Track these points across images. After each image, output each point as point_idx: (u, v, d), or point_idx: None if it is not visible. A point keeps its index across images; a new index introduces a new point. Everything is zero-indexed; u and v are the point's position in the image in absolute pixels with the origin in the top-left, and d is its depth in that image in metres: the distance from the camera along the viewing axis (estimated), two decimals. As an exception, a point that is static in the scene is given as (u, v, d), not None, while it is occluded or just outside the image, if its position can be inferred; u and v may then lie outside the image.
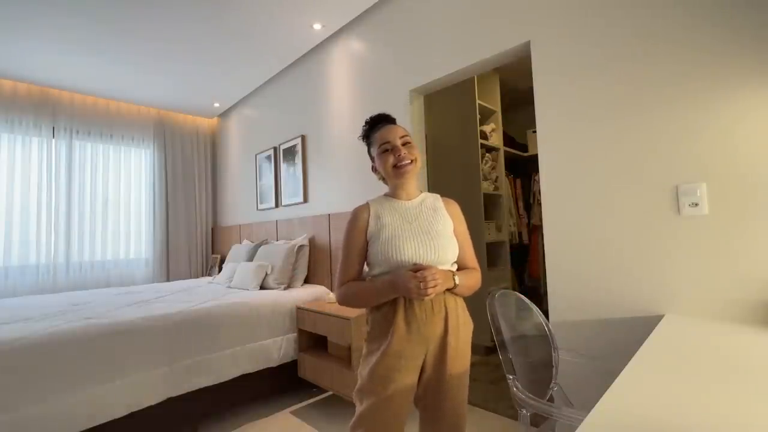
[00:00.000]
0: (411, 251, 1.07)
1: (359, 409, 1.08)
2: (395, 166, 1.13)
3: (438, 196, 1.22)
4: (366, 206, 1.19)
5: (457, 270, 1.16)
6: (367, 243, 1.15)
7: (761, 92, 1.23)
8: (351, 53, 2.82)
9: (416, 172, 1.17)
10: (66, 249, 3.61)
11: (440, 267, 1.08)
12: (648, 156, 1.45)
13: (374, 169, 1.22)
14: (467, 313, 1.16)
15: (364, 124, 1.24)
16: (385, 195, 1.21)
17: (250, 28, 2.81)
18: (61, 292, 3.41)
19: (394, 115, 1.28)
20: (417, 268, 1.03)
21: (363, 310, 1.95)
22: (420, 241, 1.08)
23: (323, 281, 2.92)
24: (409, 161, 1.13)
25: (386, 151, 1.14)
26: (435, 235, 1.09)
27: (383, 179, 1.22)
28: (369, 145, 1.22)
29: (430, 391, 1.10)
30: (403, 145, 1.14)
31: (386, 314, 1.09)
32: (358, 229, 1.15)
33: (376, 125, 1.20)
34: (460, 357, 1.10)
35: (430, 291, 0.99)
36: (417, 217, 1.13)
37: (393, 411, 1.05)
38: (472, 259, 1.21)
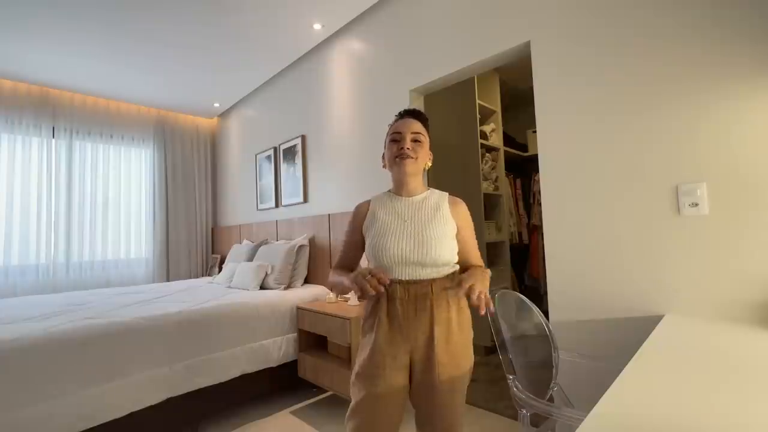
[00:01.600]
0: (395, 249, 1.07)
1: (352, 401, 1.10)
2: (395, 156, 1.13)
3: (445, 194, 1.20)
4: (367, 202, 1.23)
5: (461, 270, 1.15)
6: (363, 238, 1.19)
7: (761, 92, 1.23)
8: (351, 53, 2.82)
9: (417, 170, 1.15)
10: (66, 249, 3.61)
11: (428, 268, 1.07)
12: (648, 156, 1.45)
13: (383, 156, 1.22)
14: (467, 318, 1.14)
15: (397, 113, 1.24)
16: (388, 191, 1.22)
17: (250, 29, 2.81)
18: (61, 292, 3.42)
19: (393, 114, 1.28)
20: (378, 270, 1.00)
21: (363, 310, 1.95)
22: (408, 240, 1.08)
23: (323, 281, 2.92)
24: (409, 156, 1.12)
25: (395, 140, 1.15)
26: (428, 236, 1.08)
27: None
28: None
29: (421, 393, 1.09)
30: (413, 141, 1.13)
31: (373, 310, 1.12)
32: (356, 224, 1.21)
33: (403, 116, 1.20)
34: (454, 363, 1.07)
35: (367, 290, 0.95)
36: (414, 216, 1.13)
37: (382, 407, 1.05)
38: (477, 260, 1.20)
